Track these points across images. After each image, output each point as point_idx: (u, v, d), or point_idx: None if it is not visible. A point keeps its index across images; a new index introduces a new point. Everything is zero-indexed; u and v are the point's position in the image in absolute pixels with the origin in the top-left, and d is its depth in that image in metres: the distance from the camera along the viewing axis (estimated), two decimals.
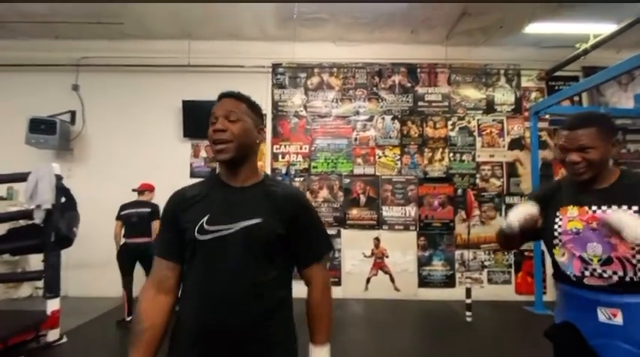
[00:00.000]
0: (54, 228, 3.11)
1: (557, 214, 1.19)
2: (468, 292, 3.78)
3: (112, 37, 4.68)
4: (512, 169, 4.81)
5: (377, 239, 4.69)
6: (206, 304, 0.92)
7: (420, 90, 4.94)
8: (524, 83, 4.94)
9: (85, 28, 4.45)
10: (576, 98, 4.80)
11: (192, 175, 4.80)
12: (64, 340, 3.15)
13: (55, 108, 4.62)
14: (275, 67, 4.93)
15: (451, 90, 4.92)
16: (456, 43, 4.73)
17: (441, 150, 4.84)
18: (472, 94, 4.92)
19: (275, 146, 4.86)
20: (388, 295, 4.57)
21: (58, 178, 3.24)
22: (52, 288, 3.17)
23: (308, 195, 4.77)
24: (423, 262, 4.67)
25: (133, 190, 3.92)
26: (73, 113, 4.77)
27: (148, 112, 4.83)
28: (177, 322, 0.97)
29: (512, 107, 4.91)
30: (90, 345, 3.24)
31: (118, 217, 3.75)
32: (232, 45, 4.80)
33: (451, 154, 4.84)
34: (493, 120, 4.89)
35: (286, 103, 4.93)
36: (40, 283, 3.50)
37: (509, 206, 4.73)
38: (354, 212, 4.76)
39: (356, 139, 4.89)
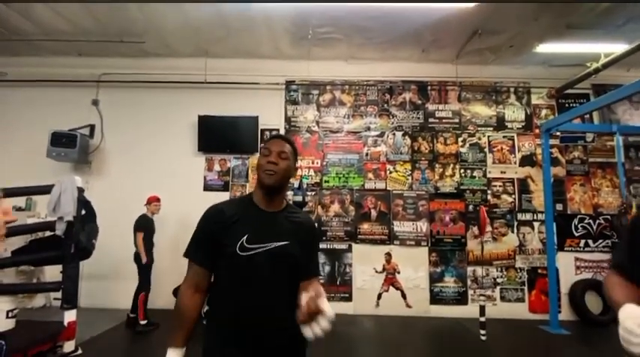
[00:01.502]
0: (74, 240, 3.17)
1: None
2: (482, 309, 3.74)
3: (133, 54, 4.86)
4: (523, 186, 4.81)
5: (388, 254, 4.69)
6: (244, 305, 1.14)
7: (430, 107, 5.02)
8: (535, 101, 4.99)
9: (107, 46, 4.63)
10: (587, 116, 4.83)
11: (206, 188, 4.87)
12: (79, 351, 3.17)
13: (75, 122, 4.78)
14: (288, 84, 5.06)
15: (461, 107, 4.99)
16: (466, 61, 4.83)
17: (451, 166, 4.88)
18: (482, 111, 4.99)
19: None
20: (400, 312, 4.53)
21: (80, 190, 3.33)
22: (70, 299, 3.21)
23: (319, 209, 4.81)
24: (434, 279, 4.63)
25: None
26: (92, 127, 4.92)
27: (165, 127, 4.96)
28: (213, 318, 1.19)
29: (523, 124, 4.95)
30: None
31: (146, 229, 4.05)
32: (248, 63, 4.95)
33: (462, 170, 4.87)
34: (504, 136, 4.93)
35: (299, 119, 5.03)
36: (55, 294, 3.56)
37: (521, 223, 4.72)
38: (365, 227, 4.78)
39: (367, 155, 4.95)
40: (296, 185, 4.75)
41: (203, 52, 4.84)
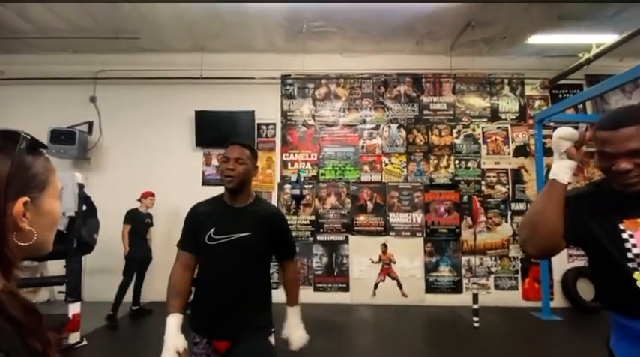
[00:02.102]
0: (77, 235, 3.26)
1: (622, 227, 0.90)
2: (475, 297, 3.85)
3: (129, 51, 4.88)
4: (517, 176, 4.88)
5: (384, 245, 4.78)
6: (217, 284, 1.40)
7: (425, 99, 5.06)
8: (528, 91, 5.04)
9: (103, 43, 4.65)
10: (580, 106, 4.87)
11: (204, 183, 4.94)
12: (85, 342, 3.27)
13: (74, 119, 4.82)
14: (284, 78, 5.09)
15: (456, 99, 5.04)
16: (460, 53, 4.85)
17: (446, 157, 4.94)
18: (477, 102, 5.03)
19: (284, 154, 5.00)
20: (396, 301, 4.64)
21: (80, 186, 3.40)
22: (74, 292, 3.31)
23: (317, 202, 4.89)
24: (430, 268, 4.74)
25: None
26: (90, 124, 4.97)
27: (162, 123, 5.01)
28: (197, 293, 1.47)
29: (517, 115, 5.00)
30: (109, 347, 3.37)
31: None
32: (243, 57, 4.97)
33: (457, 162, 4.93)
34: (498, 128, 4.98)
35: (295, 113, 5.08)
36: (59, 288, 3.66)
37: (515, 213, 4.80)
38: (362, 219, 4.86)
39: (363, 148, 5.01)
40: (293, 179, 4.82)
41: (199, 48, 4.86)
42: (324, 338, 3.23)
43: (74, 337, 3.22)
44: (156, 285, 4.25)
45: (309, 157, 5.00)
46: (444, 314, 4.30)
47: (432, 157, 4.95)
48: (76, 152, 4.62)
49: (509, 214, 4.81)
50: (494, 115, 5.01)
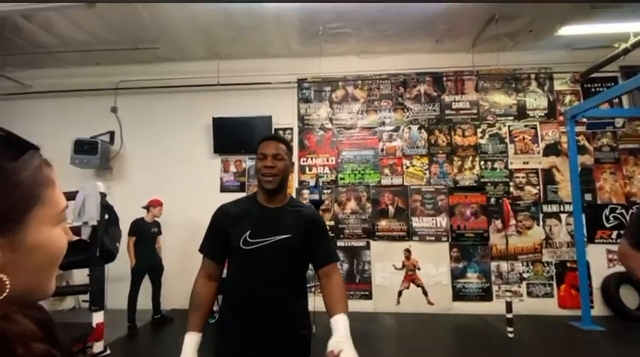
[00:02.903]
0: (99, 243, 3.27)
1: None
2: (509, 306, 3.61)
3: (148, 61, 4.96)
4: (548, 176, 4.61)
5: (407, 251, 4.60)
6: (252, 293, 1.25)
7: (446, 98, 4.88)
8: (558, 87, 4.77)
9: (124, 54, 4.75)
10: (615, 100, 4.56)
11: (223, 189, 4.93)
12: (108, 352, 3.27)
13: (96, 129, 4.93)
14: (300, 82, 5.04)
15: (479, 97, 4.83)
16: (483, 49, 4.66)
17: (471, 158, 4.73)
18: (502, 100, 4.80)
19: (302, 159, 4.93)
20: (421, 309, 4.45)
21: (102, 195, 3.43)
22: (97, 301, 3.31)
23: (336, 206, 4.78)
24: (456, 275, 4.52)
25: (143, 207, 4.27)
26: (112, 134, 5.06)
27: (181, 130, 5.04)
28: (226, 305, 1.34)
29: (546, 112, 4.74)
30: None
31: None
32: (259, 63, 4.96)
33: (482, 162, 4.71)
34: (525, 126, 4.73)
35: (312, 117, 5.01)
36: (84, 296, 3.69)
37: (547, 215, 4.52)
38: (383, 223, 4.70)
39: (382, 150, 4.87)
40: (312, 183, 4.73)
41: (215, 55, 4.89)
42: (364, 349, 3.10)
43: (98, 347, 3.21)
44: (175, 293, 4.20)
45: (328, 161, 4.90)
46: (474, 323, 4.07)
47: (455, 158, 4.75)
48: (99, 161, 4.70)
49: (540, 216, 4.54)
50: (521, 113, 4.77)
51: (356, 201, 4.79)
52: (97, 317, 3.26)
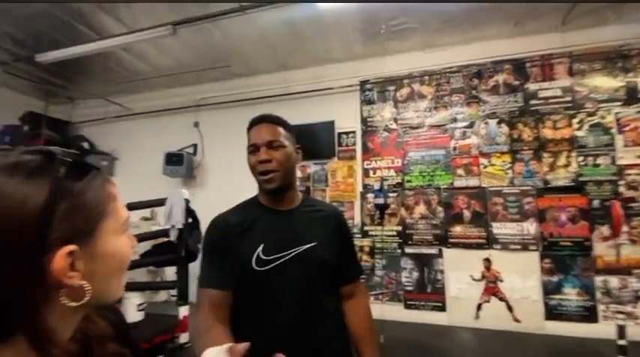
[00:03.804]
0: (184, 244, 3.66)
1: None
2: (621, 330, 2.97)
3: (223, 78, 5.43)
4: None
5: (487, 260, 4.14)
6: (274, 329, 0.93)
7: (531, 87, 4.28)
8: None
9: (203, 74, 5.28)
10: None
11: None
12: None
13: (182, 143, 5.56)
14: (362, 84, 4.95)
15: (574, 82, 4.13)
16: (576, 26, 3.99)
17: (565, 154, 4.06)
18: (604, 83, 4.03)
19: (366, 162, 4.83)
20: (505, 326, 3.95)
21: (187, 201, 3.84)
22: (183, 297, 3.70)
23: (403, 211, 4.55)
24: (549, 290, 3.90)
25: None
26: (195, 146, 5.65)
27: None
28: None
29: None
30: None
31: None
32: (321, 70, 5.03)
33: (580, 158, 4.01)
34: (638, 112, 3.89)
35: (375, 118, 4.87)
36: (173, 291, 4.17)
37: None
38: (458, 229, 4.32)
39: (455, 149, 4.49)
40: (376, 187, 4.60)
41: (281, 67, 5.11)
42: None
43: (184, 338, 3.58)
44: None
45: (393, 163, 4.71)
46: (574, 348, 3.46)
47: (545, 154, 4.13)
48: (184, 171, 5.29)
49: None
50: (631, 97, 3.93)
51: (425, 205, 4.50)
52: (183, 311, 3.64)
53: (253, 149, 1.02)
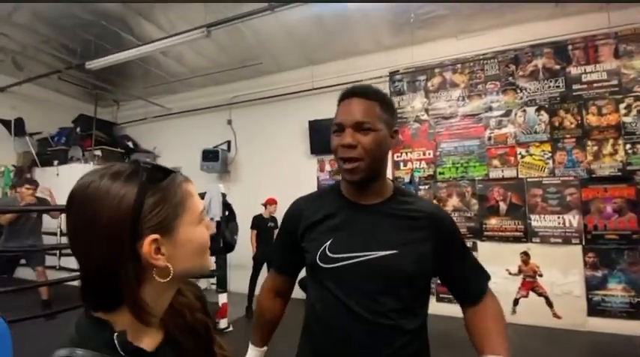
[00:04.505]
0: (222, 236, 3.87)
1: None
2: None
3: (254, 76, 5.59)
4: None
5: (525, 254, 4.00)
6: (326, 337, 0.83)
7: (573, 71, 4.03)
8: None
9: (235, 73, 5.47)
10: None
11: (320, 187, 5.19)
12: (231, 328, 3.85)
13: (217, 140, 5.82)
14: (392, 74, 4.89)
15: (621, 64, 3.82)
16: (624, 4, 3.68)
17: (611, 141, 3.80)
18: None
19: (396, 154, 4.79)
20: (545, 322, 3.82)
21: (224, 195, 4.05)
22: (222, 284, 3.94)
23: (435, 203, 4.49)
24: (593, 285, 3.71)
25: (262, 205, 4.81)
26: (229, 143, 5.89)
27: (282, 135, 5.52)
28: (302, 341, 0.97)
29: None
30: (247, 334, 3.87)
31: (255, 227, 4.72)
32: (350, 62, 5.03)
33: (628, 146, 3.73)
34: None
35: (405, 109, 4.81)
36: (212, 279, 4.44)
37: None
38: (493, 222, 4.20)
39: (490, 138, 4.35)
40: (407, 180, 4.56)
41: (309, 62, 5.18)
42: (452, 355, 2.90)
43: (223, 323, 3.82)
44: None
45: (424, 154, 4.64)
46: (619, 345, 3.28)
47: (589, 142, 3.89)
48: (219, 167, 5.54)
49: None
50: None
51: (459, 197, 4.41)
52: (222, 298, 3.88)
53: (337, 129, 0.83)
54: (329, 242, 0.84)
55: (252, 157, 5.73)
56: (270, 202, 4.80)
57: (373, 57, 4.91)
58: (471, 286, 0.89)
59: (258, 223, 4.75)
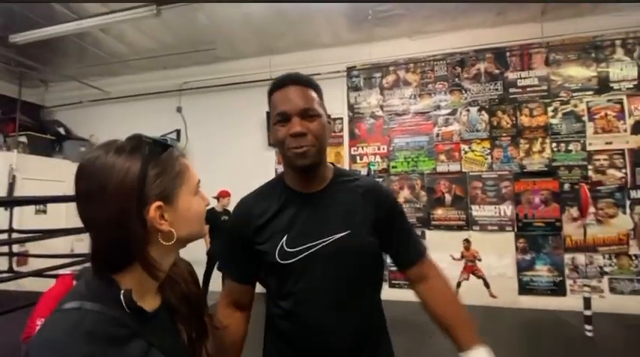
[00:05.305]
0: None
1: None
2: (587, 302, 3.27)
3: (207, 62, 5.30)
4: (638, 158, 4.01)
5: (467, 241, 4.38)
6: (304, 332, 0.83)
7: (510, 75, 4.45)
8: None
9: (185, 57, 5.13)
10: None
11: None
12: None
13: (165, 128, 5.43)
14: (349, 70, 4.98)
15: (550, 71, 4.32)
16: (555, 17, 4.15)
17: (540, 140, 4.29)
18: (578, 72, 4.25)
19: (352, 148, 4.91)
20: (483, 302, 4.23)
21: None
22: None
23: None
24: (523, 267, 4.19)
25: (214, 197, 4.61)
26: (178, 132, 5.54)
27: (238, 125, 5.33)
28: (268, 348, 0.93)
29: (635, 83, 4.09)
30: None
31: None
32: (308, 55, 5.00)
33: (554, 145, 4.25)
34: (608, 100, 4.14)
35: (362, 105, 4.94)
36: None
37: (636, 201, 3.96)
38: (439, 212, 4.52)
39: (438, 135, 4.64)
40: (364, 173, 4.70)
41: (267, 50, 5.04)
42: (405, 338, 3.08)
43: None
44: None
45: (379, 149, 4.82)
46: (545, 319, 3.76)
47: (522, 141, 4.35)
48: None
49: (627, 203, 3.98)
50: (602, 86, 4.18)
51: (409, 189, 4.67)
52: None
53: (282, 119, 0.82)
54: (285, 238, 0.84)
55: (205, 147, 5.45)
56: (223, 195, 4.64)
57: (332, 51, 4.94)
58: (412, 246, 0.94)
59: (212, 217, 4.55)
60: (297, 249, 0.83)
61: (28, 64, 5.09)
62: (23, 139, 5.12)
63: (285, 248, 0.83)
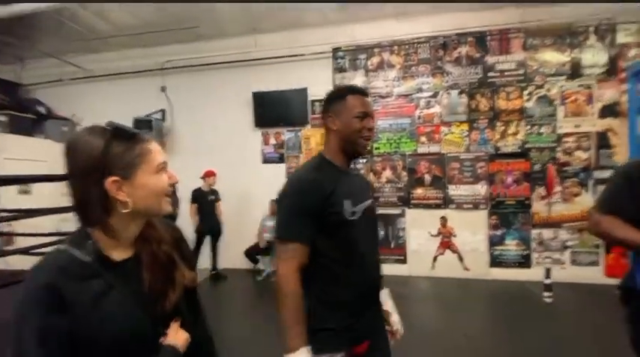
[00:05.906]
0: None
1: None
2: (547, 272, 3.60)
3: (190, 40, 5.20)
4: (603, 140, 4.28)
5: (443, 218, 4.64)
6: (361, 269, 1.14)
7: (490, 60, 4.60)
8: (621, 39, 4.27)
9: (167, 35, 5.02)
10: None
11: (265, 161, 5.22)
12: None
13: (150, 108, 5.38)
14: (335, 51, 5.01)
15: (527, 56, 4.48)
16: (534, 3, 4.26)
17: (515, 123, 4.51)
18: (553, 58, 4.42)
19: None
20: (457, 274, 4.55)
21: None
22: None
23: (371, 176, 4.87)
24: (494, 242, 4.50)
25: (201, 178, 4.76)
26: (163, 112, 5.49)
27: (223, 105, 5.33)
28: (328, 288, 1.11)
29: (605, 69, 4.30)
30: None
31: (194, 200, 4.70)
32: (294, 35, 4.98)
33: (528, 127, 4.47)
34: (579, 86, 4.36)
35: None
36: None
37: (599, 181, 4.26)
38: (419, 192, 4.75)
39: (419, 117, 4.80)
40: None
41: (252, 30, 4.98)
42: None
43: None
44: (227, 255, 4.86)
45: None
46: (511, 289, 4.11)
47: (498, 123, 4.55)
48: (154, 138, 5.17)
49: (591, 183, 4.29)
50: (575, 72, 4.38)
51: (391, 170, 4.85)
52: None
53: (363, 116, 1.14)
54: (350, 200, 1.12)
55: (191, 127, 5.45)
56: (209, 175, 4.74)
57: (318, 31, 4.93)
58: None
59: (199, 196, 4.68)
60: (357, 208, 1.13)
61: (3, 40, 4.90)
62: (3, 118, 5.01)
63: (352, 208, 1.11)
